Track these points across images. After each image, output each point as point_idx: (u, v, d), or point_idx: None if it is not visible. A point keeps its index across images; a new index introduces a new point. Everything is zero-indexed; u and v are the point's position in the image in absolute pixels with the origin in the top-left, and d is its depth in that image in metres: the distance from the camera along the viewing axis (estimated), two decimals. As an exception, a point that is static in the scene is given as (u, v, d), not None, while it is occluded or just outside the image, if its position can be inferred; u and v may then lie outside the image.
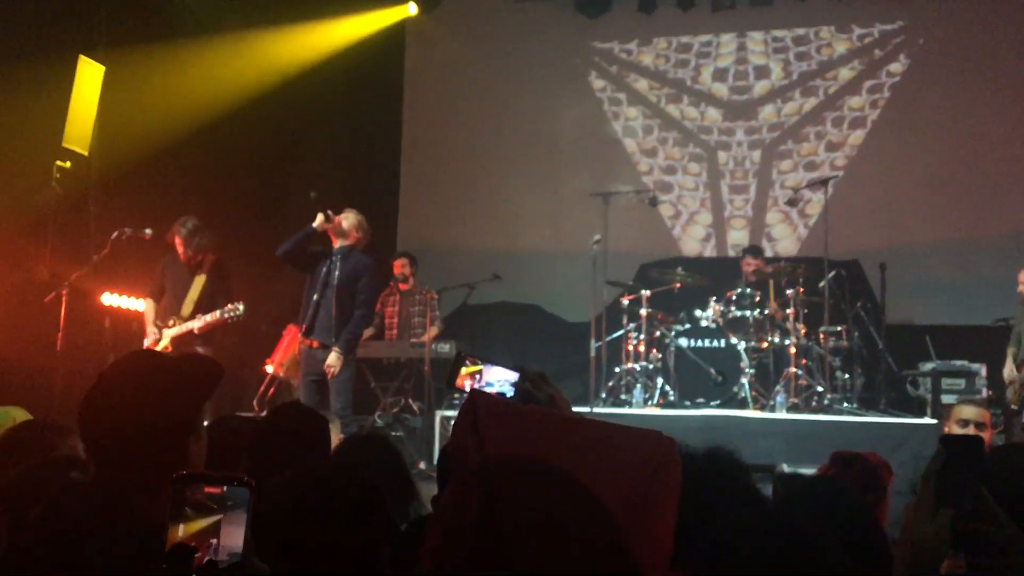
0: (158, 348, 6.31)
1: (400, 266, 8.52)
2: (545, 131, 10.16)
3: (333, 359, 5.97)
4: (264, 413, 7.57)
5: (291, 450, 2.48)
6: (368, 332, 8.51)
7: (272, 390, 7.99)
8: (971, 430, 4.15)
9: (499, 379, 1.83)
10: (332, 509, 1.59)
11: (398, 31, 10.53)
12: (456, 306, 9.10)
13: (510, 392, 1.82)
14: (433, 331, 8.22)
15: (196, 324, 6.31)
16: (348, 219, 6.28)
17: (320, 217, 6.14)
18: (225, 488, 1.38)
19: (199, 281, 6.50)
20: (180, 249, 6.46)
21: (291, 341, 8.06)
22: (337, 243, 6.29)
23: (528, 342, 9.35)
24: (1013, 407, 7.14)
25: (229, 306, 6.29)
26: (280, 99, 9.45)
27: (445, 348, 7.95)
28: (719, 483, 1.59)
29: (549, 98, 10.21)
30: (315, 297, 6.17)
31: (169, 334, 6.38)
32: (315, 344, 6.14)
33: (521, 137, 10.22)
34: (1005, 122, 8.94)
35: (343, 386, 6.03)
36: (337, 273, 6.16)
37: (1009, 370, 7.26)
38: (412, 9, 10.29)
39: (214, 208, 8.46)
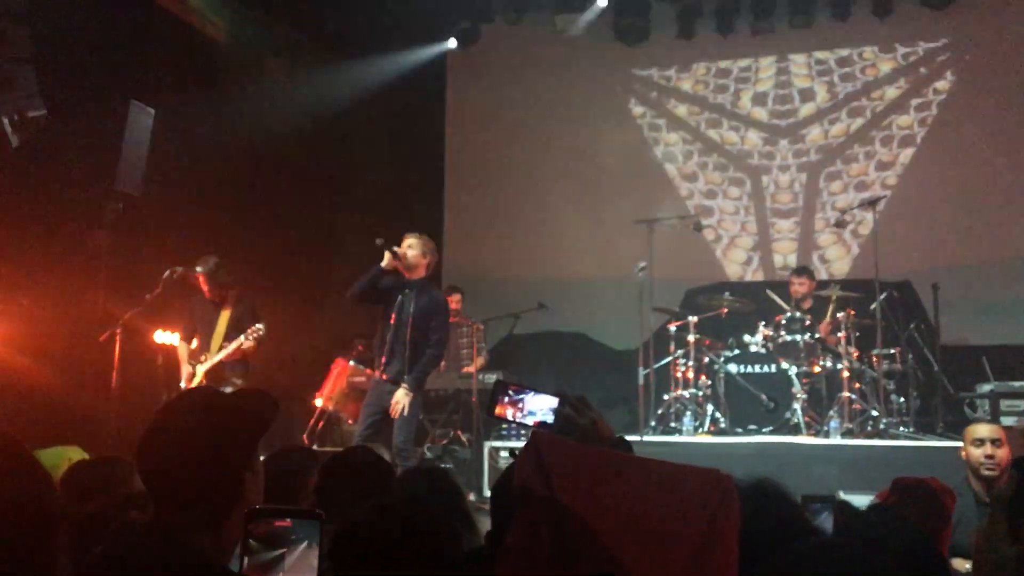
0: (193, 383, 6.44)
1: (452, 302, 8.55)
2: (587, 159, 10.19)
3: (401, 395, 5.96)
4: (315, 446, 7.63)
5: (357, 490, 2.49)
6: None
7: (322, 423, 8.04)
8: (988, 448, 4.06)
9: (540, 407, 1.83)
10: (410, 542, 1.59)
11: (439, 65, 10.67)
12: (503, 336, 9.11)
13: (551, 418, 1.81)
14: (480, 362, 8.22)
15: (223, 354, 6.44)
16: (413, 249, 6.22)
17: (388, 256, 6.12)
18: (293, 522, 1.40)
19: (224, 316, 6.64)
20: (205, 287, 6.60)
21: (340, 374, 8.13)
22: (409, 276, 6.22)
23: (575, 371, 9.31)
24: None
25: (251, 328, 6.40)
26: (326, 135, 9.61)
27: (492, 379, 7.94)
28: (768, 514, 1.56)
29: (590, 126, 10.25)
30: (389, 334, 6.16)
31: (202, 369, 6.51)
32: (386, 378, 6.14)
33: (564, 166, 10.26)
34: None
35: (407, 421, 6.00)
36: (412, 309, 6.13)
37: None
38: (452, 43, 10.43)
39: (261, 245, 8.60)
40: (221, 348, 6.53)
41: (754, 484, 1.59)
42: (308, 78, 9.35)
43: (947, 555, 2.66)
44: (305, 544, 1.42)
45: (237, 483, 1.65)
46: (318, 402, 8.05)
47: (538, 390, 1.87)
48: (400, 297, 6.15)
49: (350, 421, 8.08)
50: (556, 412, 1.80)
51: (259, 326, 6.41)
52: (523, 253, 10.17)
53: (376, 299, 6.26)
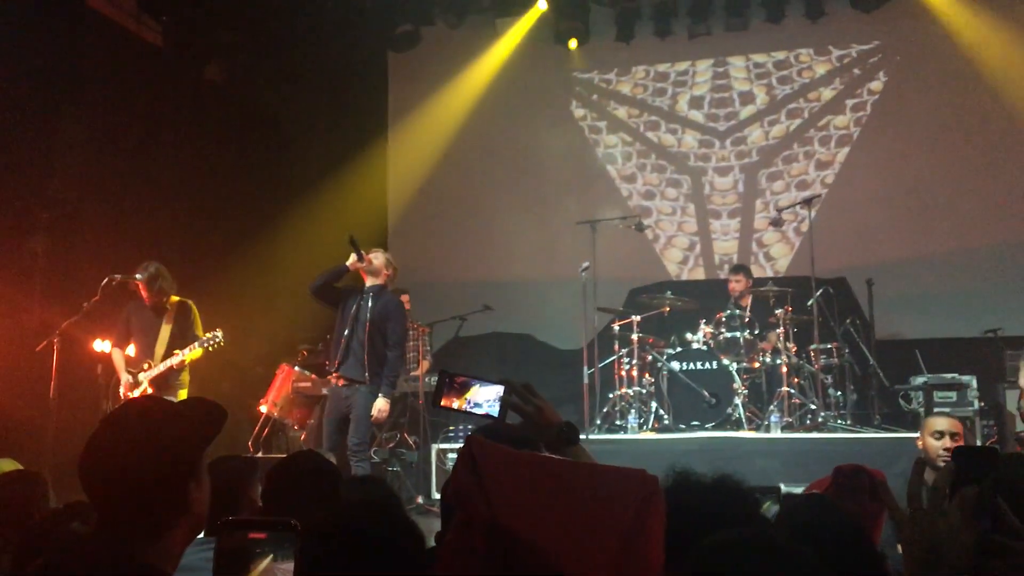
0: (137, 392, 6.33)
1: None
2: (530, 161, 10.25)
3: (381, 404, 6.00)
4: (260, 453, 7.56)
5: (305, 496, 2.50)
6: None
7: (267, 430, 7.97)
8: (947, 441, 4.19)
9: (486, 396, 1.85)
10: (380, 542, 1.59)
11: (380, 68, 10.65)
12: (448, 338, 9.12)
13: (497, 407, 1.84)
14: (425, 365, 8.23)
15: (175, 360, 6.35)
16: (378, 257, 6.33)
17: (353, 256, 6.18)
18: (268, 534, 1.39)
19: (167, 323, 6.54)
20: (144, 294, 6.49)
21: (284, 380, 8.06)
22: (368, 281, 6.31)
23: (521, 371, 9.35)
24: None
25: (208, 335, 6.32)
26: (266, 140, 9.53)
27: (436, 381, 7.94)
28: (726, 510, 1.60)
29: (532, 128, 10.32)
30: (345, 333, 6.19)
31: (146, 377, 6.40)
32: (341, 382, 6.15)
33: (507, 168, 10.31)
34: (986, 134, 9.06)
35: (361, 422, 6.02)
36: (368, 311, 6.18)
37: (1022, 378, 7.32)
38: (393, 47, 10.42)
39: (202, 250, 8.49)
40: (167, 356, 6.42)
41: (714, 480, 1.64)
42: (248, 82, 9.27)
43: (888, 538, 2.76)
44: (281, 555, 1.42)
45: (181, 493, 1.64)
46: (263, 409, 7.97)
47: (484, 379, 1.89)
48: (358, 300, 6.21)
49: (295, 427, 8.02)
50: (502, 400, 1.83)
51: (218, 334, 6.32)
52: (467, 255, 10.20)
53: (334, 299, 6.31)
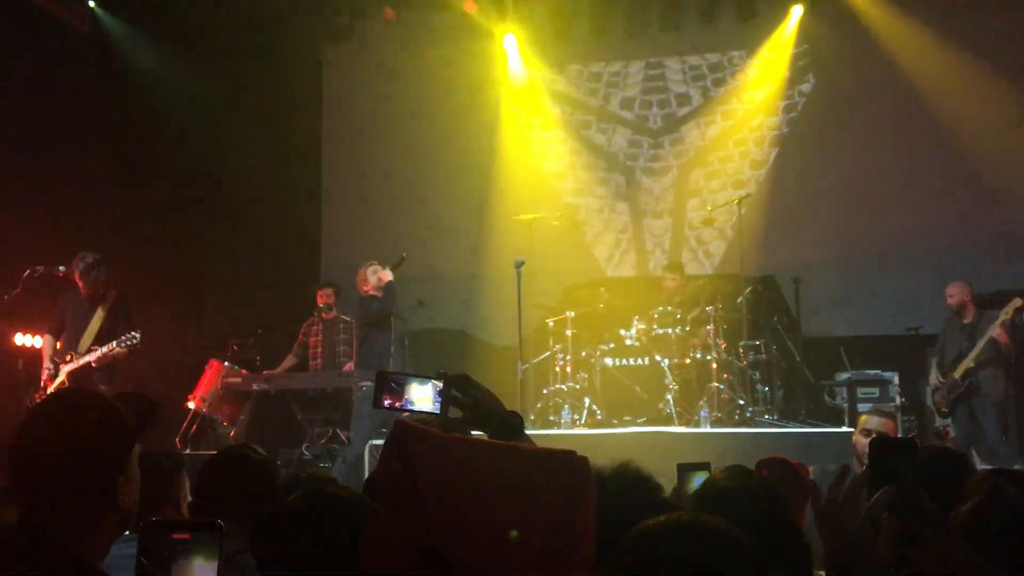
0: (54, 384, 6.18)
1: (324, 296, 8.46)
2: (466, 157, 10.23)
3: None
4: (188, 450, 7.42)
5: (240, 491, 2.46)
6: (292, 363, 8.43)
7: (195, 426, 7.83)
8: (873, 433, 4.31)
9: (425, 392, 1.87)
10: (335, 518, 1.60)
11: (315, 61, 10.51)
12: (382, 334, 9.06)
13: (438, 402, 1.85)
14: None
15: (92, 357, 6.21)
16: None
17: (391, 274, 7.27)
18: (192, 534, 1.38)
19: (99, 316, 6.40)
20: (80, 284, 6.35)
21: (213, 376, 7.93)
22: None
23: (455, 367, 9.28)
24: (943, 409, 7.44)
25: (125, 335, 6.20)
26: (198, 132, 9.35)
27: (370, 376, 7.90)
28: (629, 498, 1.63)
29: (468, 124, 10.30)
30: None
31: (66, 369, 6.25)
32: None
33: (442, 163, 10.28)
34: (908, 137, 9.34)
35: None
36: None
37: (935, 377, 7.58)
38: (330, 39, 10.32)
39: (130, 244, 8.30)
40: (91, 350, 6.27)
41: (615, 469, 1.67)
42: (178, 71, 9.07)
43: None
44: (204, 556, 1.41)
45: (108, 488, 1.62)
46: (191, 404, 7.83)
47: (421, 376, 1.90)
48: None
49: (225, 423, 7.90)
50: (440, 395, 1.85)
51: (135, 334, 6.19)
52: (402, 249, 10.10)
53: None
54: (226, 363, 8.05)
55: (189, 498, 2.66)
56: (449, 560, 1.07)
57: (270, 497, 2.49)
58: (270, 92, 9.77)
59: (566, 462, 1.16)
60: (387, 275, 7.30)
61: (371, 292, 7.36)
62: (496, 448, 1.19)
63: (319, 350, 8.38)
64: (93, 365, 6.24)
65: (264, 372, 8.20)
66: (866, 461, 4.26)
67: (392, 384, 1.89)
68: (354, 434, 7.00)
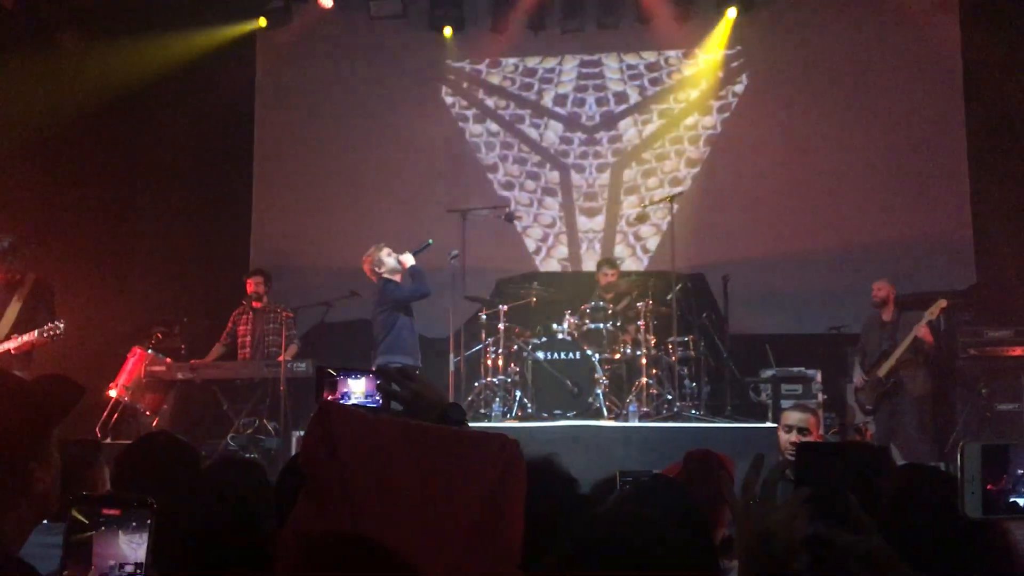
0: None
1: (254, 284, 8.31)
2: (401, 146, 10.17)
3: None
4: (109, 439, 7.23)
5: (160, 479, 2.40)
6: (220, 352, 8.28)
7: (116, 415, 7.63)
8: (794, 436, 4.38)
9: (364, 387, 1.85)
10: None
11: (249, 44, 10.32)
12: (313, 324, 8.95)
13: (378, 396, 1.84)
14: (292, 350, 8.07)
15: (12, 344, 6.02)
16: None
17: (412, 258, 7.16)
18: (123, 511, 1.38)
19: (16, 302, 6.20)
20: None
21: (136, 363, 7.75)
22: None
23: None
24: (868, 407, 7.64)
25: (48, 325, 6.02)
26: (125, 112, 9.11)
27: (302, 367, 7.81)
28: (545, 491, 1.64)
29: (404, 113, 10.23)
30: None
31: None
32: None
33: (377, 152, 10.19)
34: (835, 138, 9.57)
35: None
36: None
37: (859, 376, 7.79)
38: (262, 22, 10.12)
39: (52, 227, 8.05)
40: (9, 338, 6.07)
41: (530, 463, 1.68)
42: (106, 50, 8.81)
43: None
44: (134, 532, 1.39)
45: (22, 473, 1.57)
46: (112, 393, 7.63)
47: (360, 370, 1.89)
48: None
49: (147, 412, 7.73)
50: (379, 388, 1.84)
51: (58, 324, 6.00)
52: (335, 239, 10.03)
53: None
54: (150, 351, 7.87)
55: (108, 486, 2.59)
56: (374, 547, 1.05)
57: (195, 480, 2.44)
58: (203, 73, 9.55)
59: (497, 445, 1.15)
60: (408, 259, 7.21)
61: (385, 275, 7.26)
62: (426, 430, 1.17)
63: (248, 339, 8.25)
64: (12, 352, 6.05)
65: (192, 361, 8.04)
66: (787, 457, 4.38)
67: (332, 379, 1.87)
68: None
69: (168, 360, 7.92)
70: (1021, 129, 8.69)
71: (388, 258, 7.23)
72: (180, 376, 7.85)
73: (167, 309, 8.95)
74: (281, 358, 7.78)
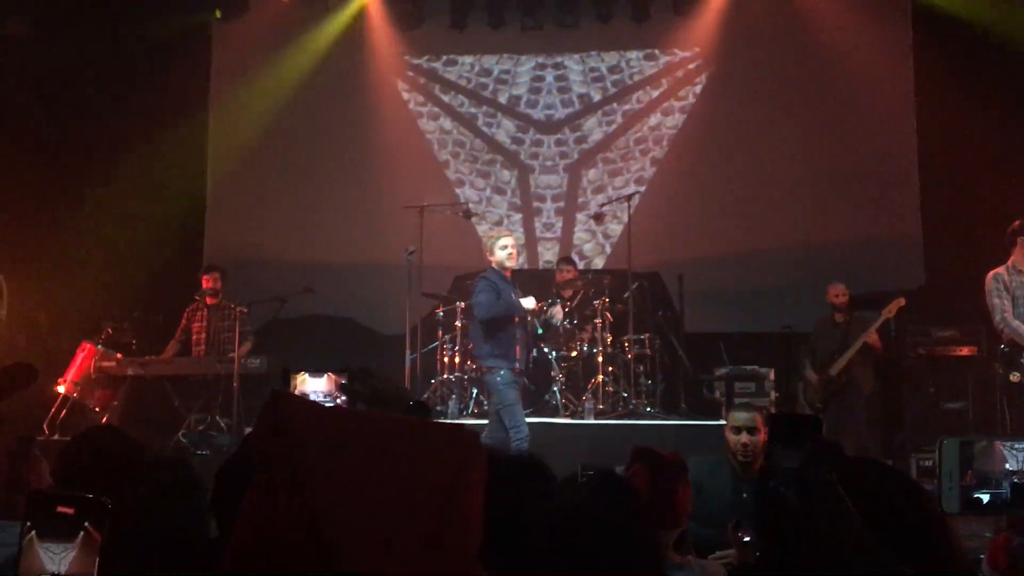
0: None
1: (210, 280, 8.22)
2: (359, 142, 10.10)
3: None
4: (56, 436, 7.10)
5: (102, 475, 2.35)
6: (175, 349, 8.17)
7: (64, 412, 7.49)
8: (744, 436, 4.41)
9: (329, 386, 1.86)
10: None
11: (203, 35, 10.17)
12: (268, 320, 8.86)
13: (343, 393, 1.85)
14: (247, 346, 7.99)
15: None
16: None
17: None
18: (76, 509, 1.37)
19: None
20: None
21: (85, 359, 7.62)
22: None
23: (342, 355, 9.21)
24: (818, 405, 7.75)
25: None
26: (76, 102, 8.93)
27: (256, 363, 7.74)
28: (524, 486, 1.65)
29: (362, 108, 10.16)
30: (518, 330, 6.33)
31: None
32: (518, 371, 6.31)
33: (334, 147, 10.11)
34: (787, 144, 9.70)
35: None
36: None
37: (810, 374, 7.91)
38: (217, 14, 10.00)
39: (1, 217, 7.89)
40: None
41: (513, 457, 1.68)
42: (56, 41, 8.63)
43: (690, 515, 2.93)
44: (87, 532, 1.38)
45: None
46: (60, 388, 7.49)
47: (323, 370, 1.89)
48: (514, 295, 6.38)
49: (97, 409, 7.60)
50: (344, 387, 1.85)
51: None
52: (290, 235, 9.94)
53: None
54: (99, 346, 7.74)
55: (49, 482, 2.54)
56: (326, 542, 1.04)
57: (137, 478, 2.40)
58: (157, 64, 9.40)
59: (456, 437, 1.14)
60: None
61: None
62: (381, 420, 1.15)
63: (203, 336, 8.15)
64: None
65: (146, 357, 7.92)
66: (740, 460, 4.42)
67: (291, 379, 1.88)
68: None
69: (118, 356, 7.80)
70: (970, 135, 8.87)
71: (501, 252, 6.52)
72: (131, 372, 7.73)
73: (118, 304, 8.80)
74: (234, 353, 7.69)
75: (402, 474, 1.08)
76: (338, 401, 1.90)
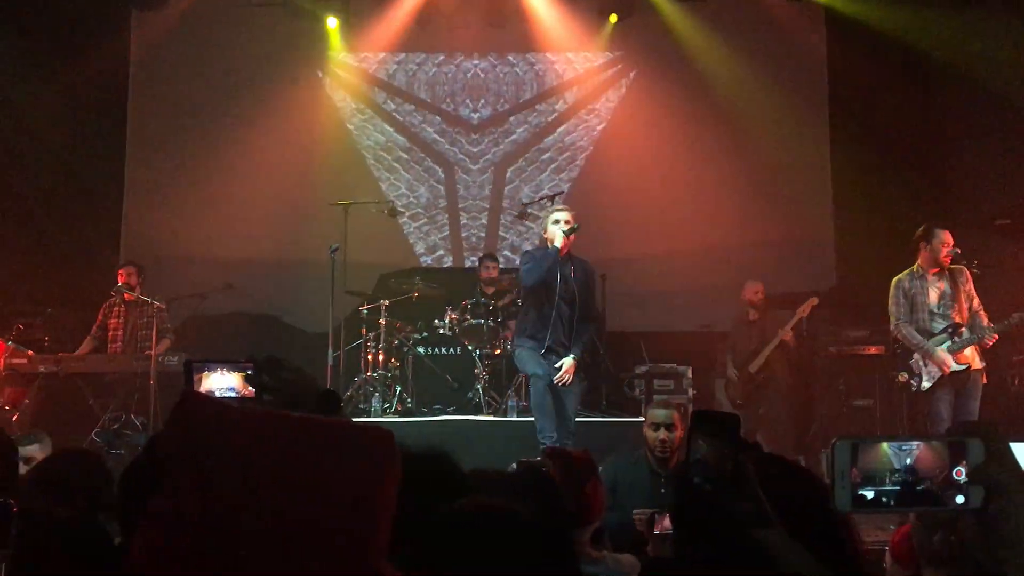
0: None
1: (126, 275, 8.03)
2: (282, 137, 9.96)
3: (570, 363, 6.00)
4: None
5: None
6: (91, 346, 7.98)
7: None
8: (662, 433, 4.54)
9: (236, 378, 1.85)
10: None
11: (122, 28, 9.91)
12: (186, 317, 8.70)
13: (252, 385, 1.84)
14: (165, 343, 7.84)
15: None
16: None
17: (562, 238, 5.95)
18: None
19: None
20: None
21: (-5, 356, 7.39)
22: (563, 252, 6.06)
23: (264, 353, 9.08)
24: (738, 402, 7.97)
25: None
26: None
27: (173, 361, 7.60)
28: (433, 482, 1.69)
29: (285, 105, 10.02)
30: (553, 315, 6.00)
31: None
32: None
33: (258, 142, 9.95)
34: (705, 146, 9.92)
35: (580, 393, 6.20)
36: (575, 283, 6.07)
37: (731, 372, 8.12)
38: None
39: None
40: None
41: (422, 453, 1.71)
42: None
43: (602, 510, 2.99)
44: None
45: None
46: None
47: (231, 361, 1.88)
48: (559, 272, 6.00)
49: (7, 407, 7.37)
50: (249, 380, 1.83)
51: None
52: (211, 230, 9.77)
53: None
54: (10, 343, 7.51)
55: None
56: (233, 545, 1.04)
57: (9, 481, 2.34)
58: (73, 57, 9.14)
59: (369, 436, 1.13)
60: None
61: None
62: (293, 420, 1.13)
63: (120, 332, 7.98)
64: None
65: (60, 355, 7.71)
66: (658, 456, 4.54)
67: (205, 371, 1.86)
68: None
69: (30, 352, 7.58)
70: (881, 141, 9.22)
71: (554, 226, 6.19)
72: (43, 369, 7.52)
73: (30, 299, 8.54)
74: (152, 351, 7.54)
75: (312, 474, 1.07)
76: (245, 393, 1.89)
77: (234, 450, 1.07)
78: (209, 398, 1.12)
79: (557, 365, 6.01)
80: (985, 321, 6.16)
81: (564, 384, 5.99)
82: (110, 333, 7.98)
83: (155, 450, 1.20)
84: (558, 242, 5.99)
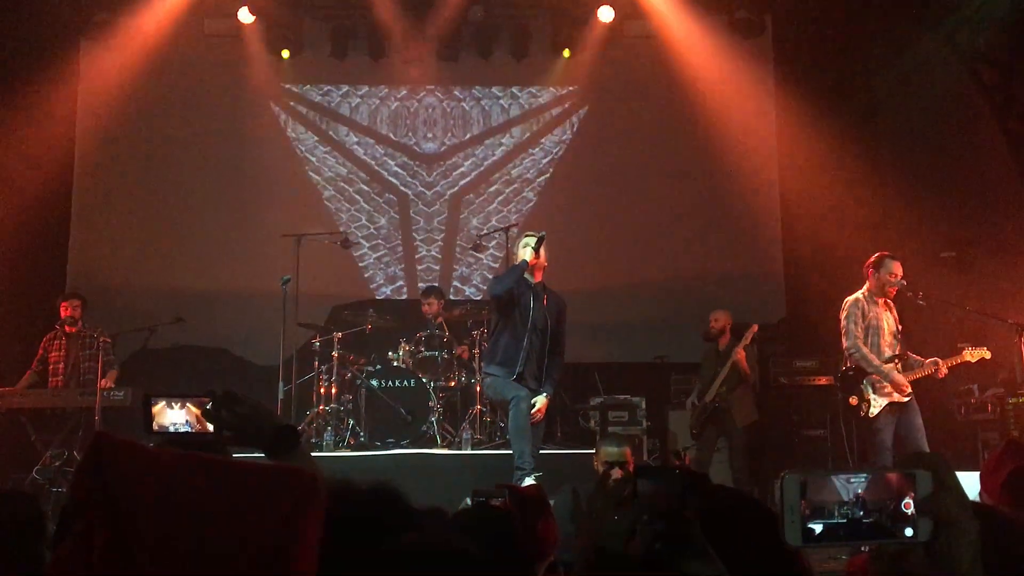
0: None
1: (68, 308, 7.84)
2: (234, 168, 9.89)
3: (543, 402, 5.97)
4: None
5: None
6: (31, 380, 7.77)
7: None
8: (617, 472, 4.50)
9: (194, 413, 1.81)
10: None
11: (70, 60, 9.76)
12: (135, 351, 8.52)
13: (209, 420, 1.79)
14: (112, 375, 7.66)
15: None
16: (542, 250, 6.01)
17: (532, 253, 5.88)
18: None
19: None
20: None
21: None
22: (538, 277, 6.03)
23: (214, 387, 8.92)
24: (694, 431, 7.93)
25: None
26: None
27: (120, 395, 7.42)
28: (378, 518, 1.66)
29: (237, 136, 9.97)
30: (525, 342, 5.89)
31: None
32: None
33: (209, 173, 9.87)
34: (659, 180, 10.06)
35: (541, 429, 6.12)
36: (548, 314, 5.99)
37: (691, 401, 8.12)
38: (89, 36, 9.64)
39: None
40: None
41: (369, 488, 1.68)
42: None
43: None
44: None
45: None
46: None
47: (188, 396, 1.84)
48: (529, 301, 5.91)
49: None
50: (206, 415, 1.79)
51: None
52: (160, 262, 9.62)
53: (507, 305, 5.93)
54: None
55: None
56: None
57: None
58: (22, 87, 8.98)
59: (292, 478, 1.12)
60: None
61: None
62: (212, 463, 1.11)
63: (61, 366, 7.77)
64: None
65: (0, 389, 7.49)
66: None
67: (161, 406, 1.82)
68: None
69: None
70: (829, 178, 9.39)
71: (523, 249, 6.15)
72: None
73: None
74: (98, 386, 7.36)
75: (229, 518, 1.07)
76: (202, 428, 1.84)
77: (149, 493, 1.06)
78: (125, 440, 1.09)
79: (533, 401, 5.96)
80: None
81: (535, 423, 5.98)
82: (51, 367, 7.78)
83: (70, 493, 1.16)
84: (527, 256, 5.98)
